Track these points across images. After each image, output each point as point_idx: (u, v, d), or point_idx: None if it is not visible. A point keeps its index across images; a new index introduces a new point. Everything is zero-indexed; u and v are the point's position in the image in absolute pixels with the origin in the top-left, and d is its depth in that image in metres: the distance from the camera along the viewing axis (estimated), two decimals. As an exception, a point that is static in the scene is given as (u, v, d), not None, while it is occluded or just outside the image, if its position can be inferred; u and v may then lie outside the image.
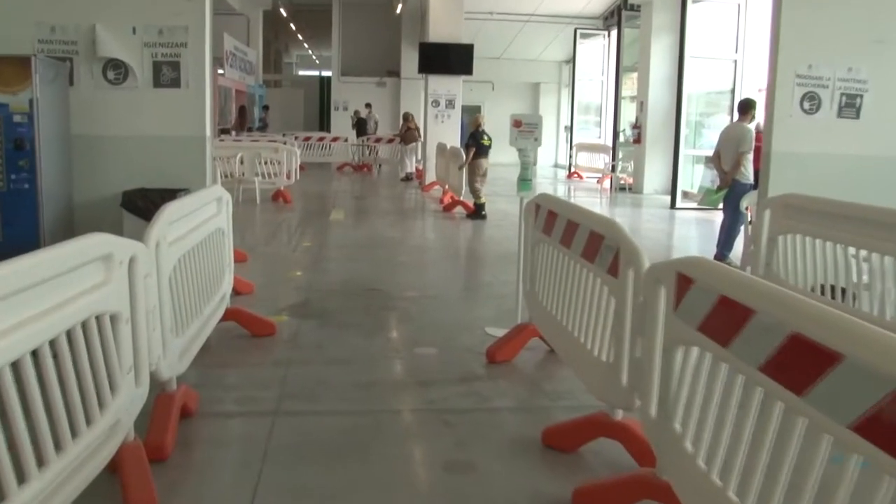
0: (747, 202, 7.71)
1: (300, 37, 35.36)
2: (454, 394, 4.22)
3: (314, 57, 43.85)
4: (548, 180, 21.14)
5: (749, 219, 7.98)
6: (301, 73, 43.01)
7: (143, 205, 5.06)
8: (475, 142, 11.60)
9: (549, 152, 26.54)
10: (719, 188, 8.28)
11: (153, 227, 3.27)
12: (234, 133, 19.11)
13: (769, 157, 6.04)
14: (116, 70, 5.20)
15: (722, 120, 14.76)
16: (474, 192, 11.58)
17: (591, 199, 16.37)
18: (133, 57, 5.18)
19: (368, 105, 23.14)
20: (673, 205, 14.11)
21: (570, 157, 21.58)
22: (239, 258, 7.60)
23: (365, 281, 7.04)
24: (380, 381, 4.42)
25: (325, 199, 14.08)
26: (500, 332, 5.32)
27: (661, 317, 2.79)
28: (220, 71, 19.09)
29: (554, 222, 4.29)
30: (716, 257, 8.30)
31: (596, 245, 3.57)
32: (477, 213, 11.53)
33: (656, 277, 2.84)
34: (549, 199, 4.56)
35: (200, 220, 4.38)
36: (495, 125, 26.16)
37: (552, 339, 4.40)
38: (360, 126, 21.93)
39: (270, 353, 4.84)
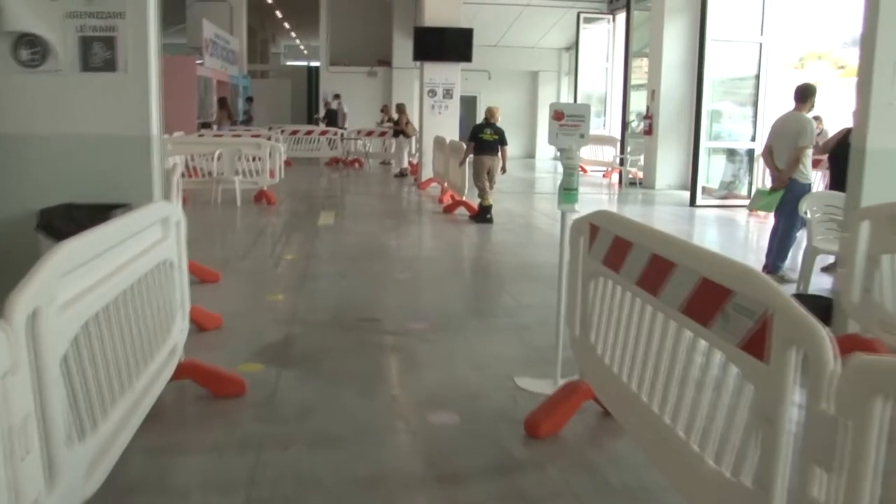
0: (807, 206, 6.54)
1: (287, 25, 33.99)
2: (490, 496, 3.02)
3: (302, 47, 42.47)
4: (548, 174, 19.93)
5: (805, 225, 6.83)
6: (289, 63, 41.61)
7: (68, 228, 3.83)
8: (474, 136, 10.38)
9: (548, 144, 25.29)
10: (773, 189, 7.08)
11: (25, 290, 2.03)
12: (214, 127, 17.82)
13: (862, 154, 4.84)
14: (32, 49, 3.94)
15: (742, 111, 13.58)
16: (480, 192, 10.35)
17: (600, 195, 15.19)
18: (53, 31, 3.92)
19: (337, 96, 21.85)
20: (693, 202, 12.93)
21: (574, 149, 20.34)
22: (208, 278, 6.39)
23: (359, 306, 5.82)
24: (386, 474, 3.20)
25: (314, 200, 12.83)
26: (534, 386, 4.13)
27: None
28: (199, 60, 17.79)
29: (626, 254, 3.08)
30: (765, 269, 7.13)
31: (714, 301, 2.36)
32: (481, 215, 10.31)
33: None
34: (614, 220, 3.36)
35: (133, 253, 3.16)
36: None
37: (623, 415, 3.19)
38: (331, 118, 20.66)
39: (237, 427, 3.62)
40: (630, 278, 3.05)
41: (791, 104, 7.23)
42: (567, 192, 3.88)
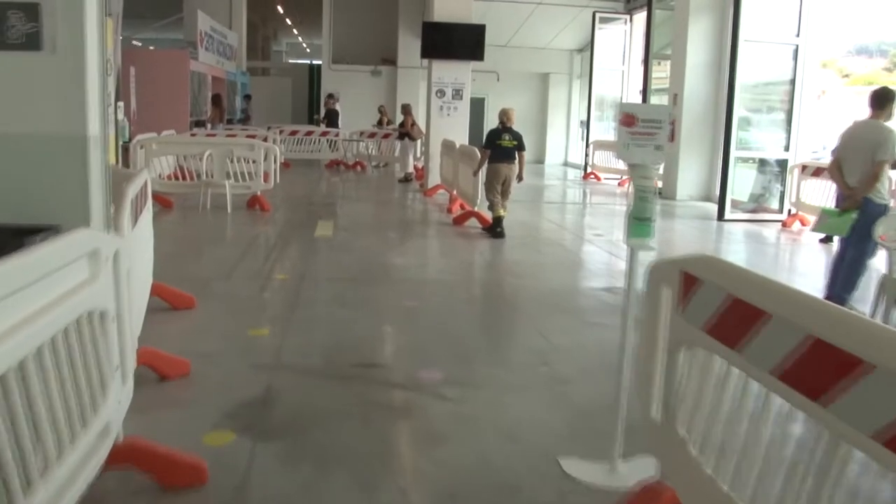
0: (883, 229, 5.55)
1: (289, 21, 33.01)
2: None
3: (305, 45, 41.49)
4: (559, 182, 18.95)
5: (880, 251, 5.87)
6: (290, 61, 40.65)
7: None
8: (490, 142, 9.40)
9: (559, 149, 24.34)
10: (844, 209, 6.08)
11: None
12: (209, 126, 16.82)
13: None
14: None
15: (773, 118, 12.59)
16: (490, 204, 9.36)
17: (616, 205, 14.19)
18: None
19: (331, 95, 20.83)
20: (721, 215, 11.93)
21: (586, 155, 19.37)
22: (182, 304, 5.40)
23: (359, 346, 4.83)
24: None
25: (311, 207, 11.82)
26: (587, 473, 3.16)
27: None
28: (194, 55, 16.81)
29: (754, 327, 2.09)
30: (828, 299, 6.13)
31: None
32: (492, 228, 9.31)
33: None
34: (730, 272, 2.37)
35: (44, 301, 2.18)
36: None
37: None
38: (331, 118, 19.65)
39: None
40: (760, 363, 2.06)
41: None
42: (639, 222, 2.90)
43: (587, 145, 19.49)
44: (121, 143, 10.45)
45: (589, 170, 18.91)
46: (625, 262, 3.17)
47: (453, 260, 8.12)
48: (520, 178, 9.52)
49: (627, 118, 2.89)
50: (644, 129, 2.91)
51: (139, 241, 4.37)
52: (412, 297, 6.19)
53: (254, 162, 11.09)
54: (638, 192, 2.92)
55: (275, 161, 11.56)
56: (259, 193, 11.00)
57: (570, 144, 24.32)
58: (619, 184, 17.52)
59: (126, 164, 11.23)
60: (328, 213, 11.17)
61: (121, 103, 10.73)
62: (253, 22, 30.17)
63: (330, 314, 5.55)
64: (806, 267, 8.95)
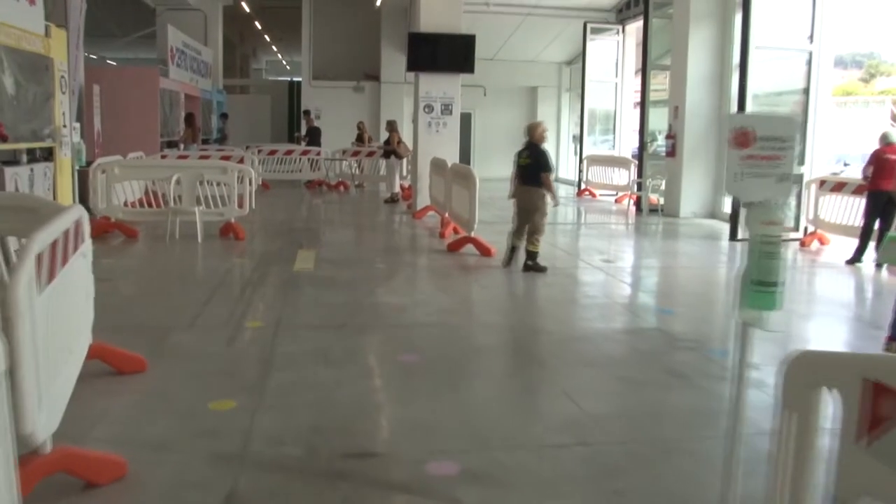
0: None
1: (268, 38, 32.09)
2: None
3: (285, 62, 40.57)
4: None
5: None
6: (271, 79, 39.68)
7: None
8: (515, 163, 8.27)
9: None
10: (915, 237, 5.20)
11: None
12: (181, 147, 15.80)
13: None
14: None
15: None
16: (538, 235, 8.07)
17: (616, 225, 13.32)
18: None
19: (307, 112, 19.90)
20: (734, 235, 11.05)
21: (580, 171, 18.50)
22: (130, 367, 4.41)
23: (348, 427, 3.84)
24: None
25: (291, 233, 10.83)
26: None
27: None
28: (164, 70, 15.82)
29: None
30: (891, 340, 5.25)
31: None
32: (534, 262, 8.06)
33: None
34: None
35: None
36: (487, 137, 23.41)
37: None
38: (312, 136, 18.69)
39: None
40: None
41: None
42: (760, 288, 1.94)
43: (580, 160, 18.63)
44: (76, 167, 9.46)
45: (583, 186, 18.05)
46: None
47: (452, 296, 7.15)
48: (555, 202, 8.22)
49: (741, 137, 1.96)
50: (764, 150, 1.98)
51: (61, 299, 3.38)
52: (409, 348, 5.21)
53: (226, 185, 10.11)
54: (760, 245, 1.98)
55: (250, 184, 10.57)
56: (233, 220, 10.01)
57: (560, 160, 23.47)
58: (615, 200, 16.68)
59: (84, 190, 10.24)
60: (309, 241, 10.18)
61: (76, 124, 9.73)
62: (231, 39, 29.22)
63: (311, 377, 4.56)
64: (841, 294, 8.08)
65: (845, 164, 16.91)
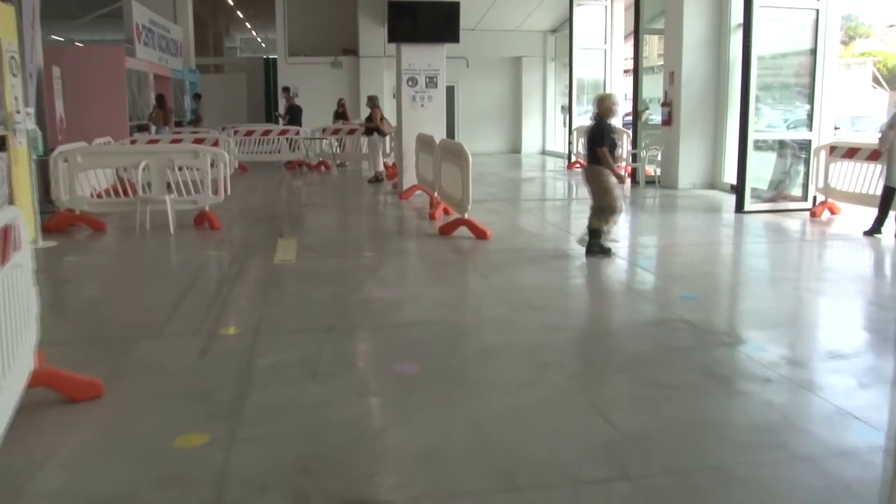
0: None
1: (240, 14, 31.03)
2: None
3: (259, 39, 39.46)
4: (537, 173, 17.43)
5: None
6: (246, 56, 38.56)
7: None
8: (608, 137, 7.26)
9: (535, 137, 22.79)
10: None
11: None
12: (153, 130, 14.97)
13: None
14: None
15: (788, 94, 11.15)
16: (610, 214, 7.35)
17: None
18: None
19: (287, 89, 19.13)
20: (740, 207, 10.46)
21: (570, 143, 17.84)
22: (81, 394, 3.75)
23: (342, 466, 3.20)
24: None
25: (271, 220, 10.13)
26: None
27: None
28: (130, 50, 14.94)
29: None
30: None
31: None
32: (597, 243, 7.36)
33: None
34: None
35: None
36: (472, 110, 22.64)
37: None
38: (293, 115, 17.91)
39: None
40: None
41: None
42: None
43: (570, 132, 17.96)
44: (34, 157, 8.68)
45: (573, 158, 17.39)
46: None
47: (450, 288, 6.50)
48: (619, 179, 7.31)
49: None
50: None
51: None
52: (408, 354, 4.57)
53: (199, 171, 9.37)
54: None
55: (226, 167, 9.83)
56: (207, 208, 9.29)
57: (547, 131, 22.79)
58: (608, 173, 16.05)
59: (46, 182, 9.48)
60: (290, 228, 9.49)
61: (30, 109, 8.93)
62: (202, 17, 28.17)
63: (296, 396, 3.91)
64: (866, 268, 7.52)
65: (835, 128, 16.38)
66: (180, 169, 9.41)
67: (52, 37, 25.72)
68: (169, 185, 9.34)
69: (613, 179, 7.20)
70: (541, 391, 4.01)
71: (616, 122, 17.86)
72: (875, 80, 33.37)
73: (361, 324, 5.24)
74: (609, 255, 7.28)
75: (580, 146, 17.09)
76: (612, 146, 7.26)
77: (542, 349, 4.67)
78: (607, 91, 7.61)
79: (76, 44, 25.26)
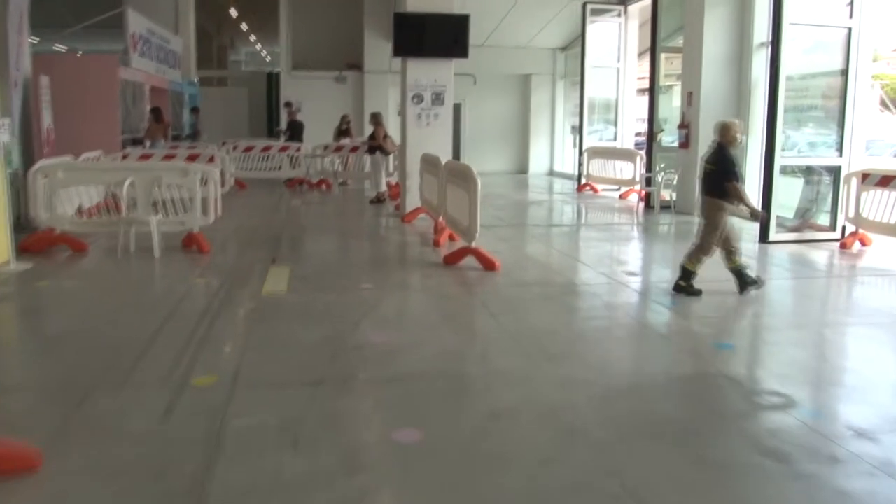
0: None
1: (244, 27, 30.62)
2: None
3: (264, 53, 39.09)
4: (545, 195, 16.81)
5: None
6: (249, 70, 38.18)
7: None
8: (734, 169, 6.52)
9: (543, 157, 22.17)
10: None
11: None
12: (147, 144, 14.38)
13: None
14: None
15: (817, 117, 10.51)
16: (702, 254, 6.69)
17: (625, 225, 12.06)
18: None
19: (289, 103, 18.58)
20: (764, 237, 9.81)
21: (580, 164, 17.21)
22: (14, 467, 3.09)
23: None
24: None
25: (264, 243, 9.48)
26: None
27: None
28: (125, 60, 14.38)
29: None
30: None
31: None
32: (686, 283, 6.70)
33: None
34: None
35: None
36: (479, 129, 22.06)
37: None
38: (295, 130, 17.34)
39: None
40: None
41: None
42: None
43: (580, 153, 17.33)
44: (7, 171, 8.07)
45: (584, 181, 16.76)
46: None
47: (456, 331, 5.83)
48: (753, 215, 6.80)
49: None
50: None
51: None
52: (407, 416, 3.90)
53: (189, 189, 8.75)
54: None
55: (217, 187, 9.21)
56: (196, 230, 8.66)
57: (555, 152, 22.18)
58: (620, 196, 15.44)
59: (24, 199, 8.87)
60: (284, 253, 8.85)
61: (6, 120, 8.31)
62: (206, 30, 27.77)
63: (273, 474, 3.24)
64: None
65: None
66: (171, 188, 8.81)
67: (55, 47, 25.33)
68: (156, 205, 8.73)
69: (730, 219, 6.58)
70: (564, 471, 3.34)
71: (628, 142, 17.48)
72: (883, 103, 32.92)
73: (355, 375, 4.57)
74: (699, 295, 6.61)
75: (590, 167, 16.52)
76: (740, 179, 6.53)
77: (562, 411, 4.00)
78: (729, 119, 6.90)
79: (77, 55, 24.83)
